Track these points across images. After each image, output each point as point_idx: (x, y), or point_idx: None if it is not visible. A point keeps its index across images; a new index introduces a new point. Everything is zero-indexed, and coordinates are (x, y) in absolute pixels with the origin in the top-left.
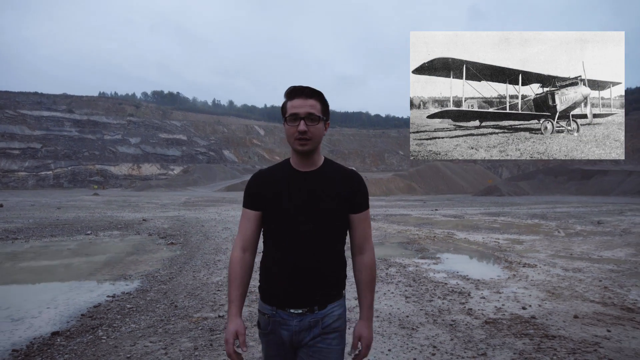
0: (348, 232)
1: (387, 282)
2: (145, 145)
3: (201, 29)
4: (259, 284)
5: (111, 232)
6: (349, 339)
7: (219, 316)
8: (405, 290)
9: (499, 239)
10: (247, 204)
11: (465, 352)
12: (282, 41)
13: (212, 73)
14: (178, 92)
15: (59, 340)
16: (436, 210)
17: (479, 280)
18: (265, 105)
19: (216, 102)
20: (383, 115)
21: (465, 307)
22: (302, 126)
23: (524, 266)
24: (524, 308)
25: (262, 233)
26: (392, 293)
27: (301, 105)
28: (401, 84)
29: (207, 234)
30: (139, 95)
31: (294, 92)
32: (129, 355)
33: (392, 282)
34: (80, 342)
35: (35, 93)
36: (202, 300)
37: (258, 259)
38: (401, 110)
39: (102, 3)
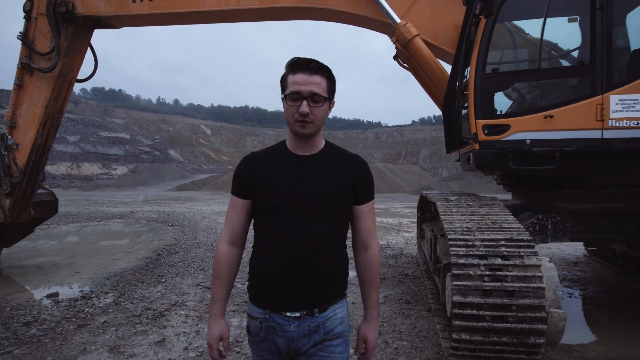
0: (350, 225)
1: None
2: (85, 144)
3: None
4: (247, 284)
5: (114, 220)
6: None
7: None
8: None
9: (403, 221)
10: (236, 191)
11: None
12: (229, 38)
13: (154, 70)
14: (120, 89)
15: (164, 256)
16: None
17: None
18: (212, 104)
19: (161, 100)
20: (330, 116)
21: None
22: (304, 107)
23: (405, 232)
24: (387, 244)
25: (252, 225)
26: None
27: (305, 82)
28: (348, 86)
29: (193, 220)
30: (77, 91)
31: (297, 65)
32: (205, 257)
33: None
34: (175, 255)
35: None
36: None
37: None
38: (348, 112)
39: None
